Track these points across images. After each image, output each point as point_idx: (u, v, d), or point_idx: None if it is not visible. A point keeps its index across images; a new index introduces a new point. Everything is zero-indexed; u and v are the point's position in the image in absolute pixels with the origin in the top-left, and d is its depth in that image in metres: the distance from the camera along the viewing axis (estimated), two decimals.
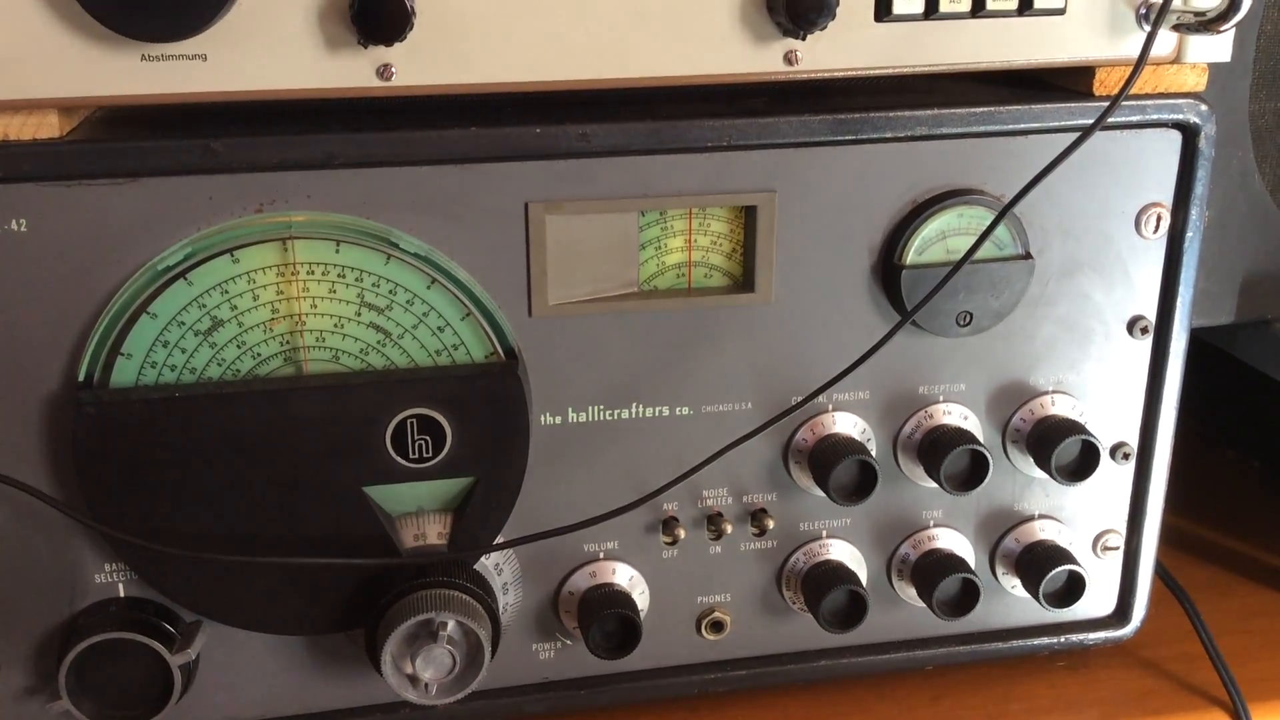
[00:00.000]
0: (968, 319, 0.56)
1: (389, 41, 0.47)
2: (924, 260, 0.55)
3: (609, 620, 0.56)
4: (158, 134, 0.49)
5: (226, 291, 0.51)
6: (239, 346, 0.52)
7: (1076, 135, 0.50)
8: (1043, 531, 0.60)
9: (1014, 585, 0.61)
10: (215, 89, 0.48)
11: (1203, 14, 0.52)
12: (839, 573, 0.58)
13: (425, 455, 0.53)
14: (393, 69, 0.48)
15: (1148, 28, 0.53)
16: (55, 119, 0.48)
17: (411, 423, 0.52)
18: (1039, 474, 0.59)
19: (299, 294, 0.52)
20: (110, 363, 0.51)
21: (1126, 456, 0.60)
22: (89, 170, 0.48)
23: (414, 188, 0.51)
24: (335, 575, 0.54)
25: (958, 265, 0.50)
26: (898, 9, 0.51)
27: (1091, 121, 0.52)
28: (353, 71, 0.48)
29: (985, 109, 0.54)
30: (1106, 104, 0.50)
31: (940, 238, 0.55)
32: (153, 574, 0.53)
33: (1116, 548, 0.62)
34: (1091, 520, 0.61)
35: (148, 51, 0.47)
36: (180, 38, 0.46)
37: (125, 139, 0.49)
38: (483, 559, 0.55)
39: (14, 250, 0.49)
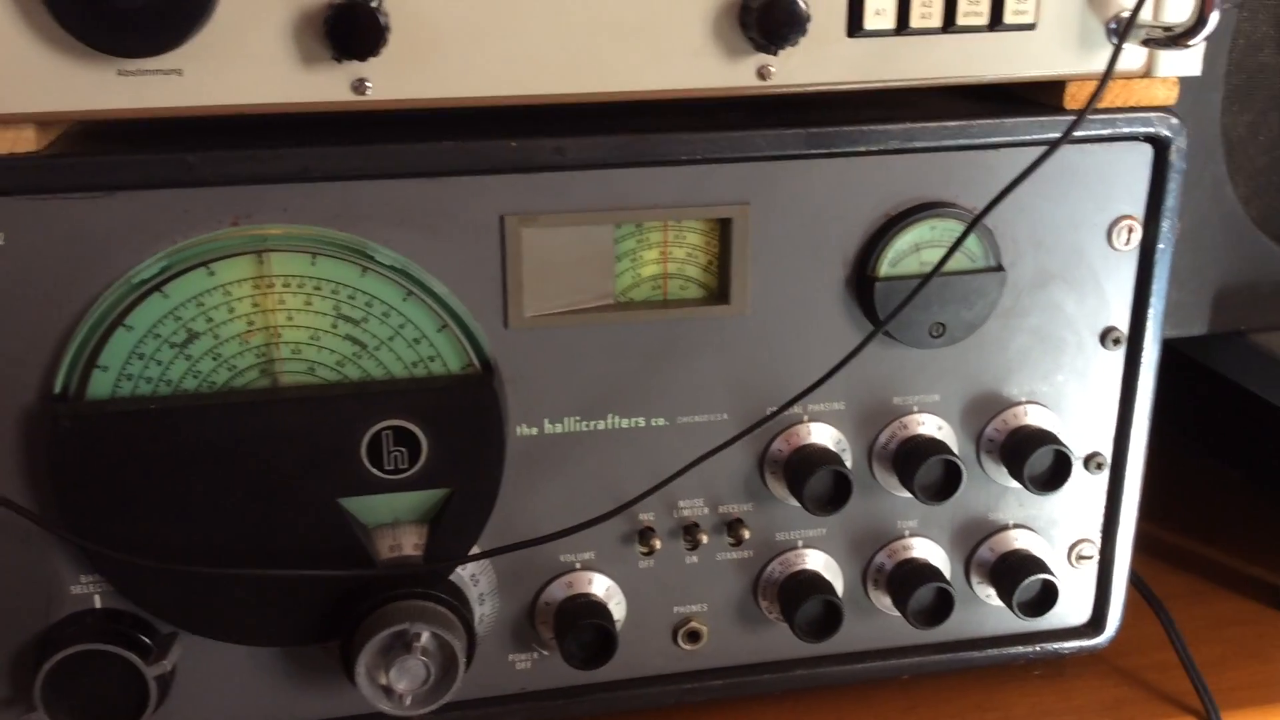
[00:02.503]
0: (941, 330, 0.56)
1: (363, 56, 0.47)
2: (897, 272, 0.55)
3: (585, 631, 0.56)
4: (134, 148, 0.49)
5: (202, 304, 0.51)
6: (215, 359, 0.52)
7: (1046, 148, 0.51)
8: (1017, 541, 0.61)
9: (989, 594, 0.61)
10: (191, 103, 0.48)
11: (1171, 29, 0.52)
12: (814, 582, 0.58)
13: (401, 467, 0.53)
14: (368, 83, 0.49)
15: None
16: (32, 133, 0.48)
17: (387, 434, 0.53)
18: (1013, 484, 0.59)
19: (275, 306, 0.52)
20: (86, 375, 0.51)
21: (1100, 466, 0.61)
22: (66, 184, 0.49)
23: (390, 200, 0.51)
24: (311, 587, 0.54)
25: (928, 276, 0.51)
26: (869, 24, 0.51)
27: (1060, 134, 0.53)
28: (328, 86, 0.49)
29: (957, 123, 0.54)
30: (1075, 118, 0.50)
31: (914, 250, 0.55)
32: (128, 586, 0.53)
33: (1091, 557, 0.62)
34: (1066, 530, 0.62)
35: (124, 67, 0.47)
36: (156, 53, 0.46)
37: (102, 153, 0.49)
38: (459, 570, 0.56)
39: None
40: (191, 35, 0.46)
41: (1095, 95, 0.49)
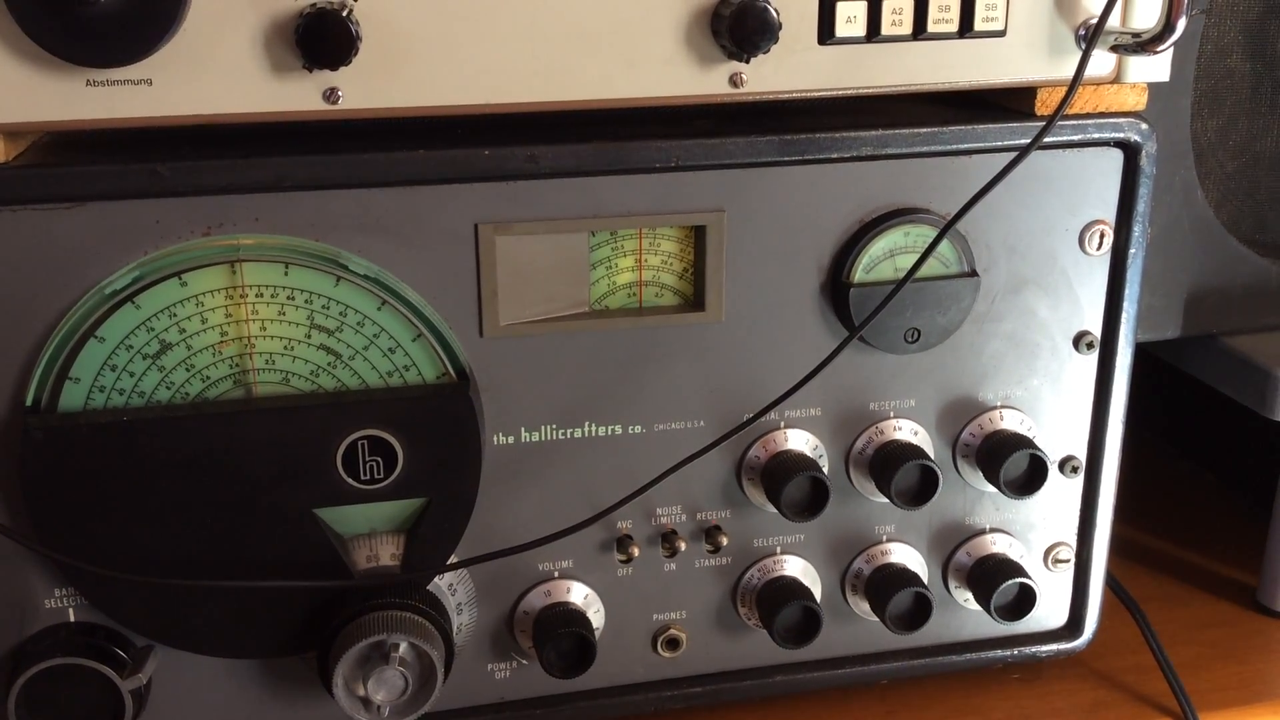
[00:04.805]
0: (915, 335, 0.56)
1: (334, 65, 0.47)
2: (872, 278, 0.55)
3: (564, 639, 0.56)
4: (104, 158, 0.49)
5: (175, 314, 0.51)
6: (188, 369, 0.52)
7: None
8: (994, 545, 0.61)
9: (966, 599, 0.61)
10: (161, 114, 0.48)
11: (1139, 35, 0.53)
12: (793, 589, 0.58)
13: (377, 476, 0.53)
14: (339, 92, 0.49)
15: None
16: (0, 144, 0.48)
17: (363, 444, 0.52)
18: (989, 488, 0.60)
19: (248, 316, 0.52)
20: (58, 387, 0.51)
21: (1075, 470, 0.61)
22: (35, 195, 0.48)
23: (363, 209, 0.51)
24: (288, 598, 0.53)
25: (901, 282, 0.51)
26: (840, 32, 0.51)
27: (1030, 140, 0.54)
28: (299, 95, 0.48)
29: (929, 129, 0.54)
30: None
31: (887, 256, 0.55)
32: (102, 599, 0.53)
33: (1067, 560, 0.62)
34: (1042, 533, 0.62)
35: (93, 77, 0.47)
36: (125, 63, 0.46)
37: (72, 163, 0.49)
38: (436, 579, 0.56)
39: None
40: (161, 45, 0.46)
41: (1065, 101, 0.49)
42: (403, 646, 0.51)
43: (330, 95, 0.49)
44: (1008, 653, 0.63)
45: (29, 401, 0.50)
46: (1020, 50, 0.54)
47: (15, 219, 0.48)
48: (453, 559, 0.55)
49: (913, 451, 0.57)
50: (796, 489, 0.56)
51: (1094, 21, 0.53)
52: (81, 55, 0.45)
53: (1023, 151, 0.49)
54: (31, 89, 0.47)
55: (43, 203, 0.49)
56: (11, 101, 0.47)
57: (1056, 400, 0.60)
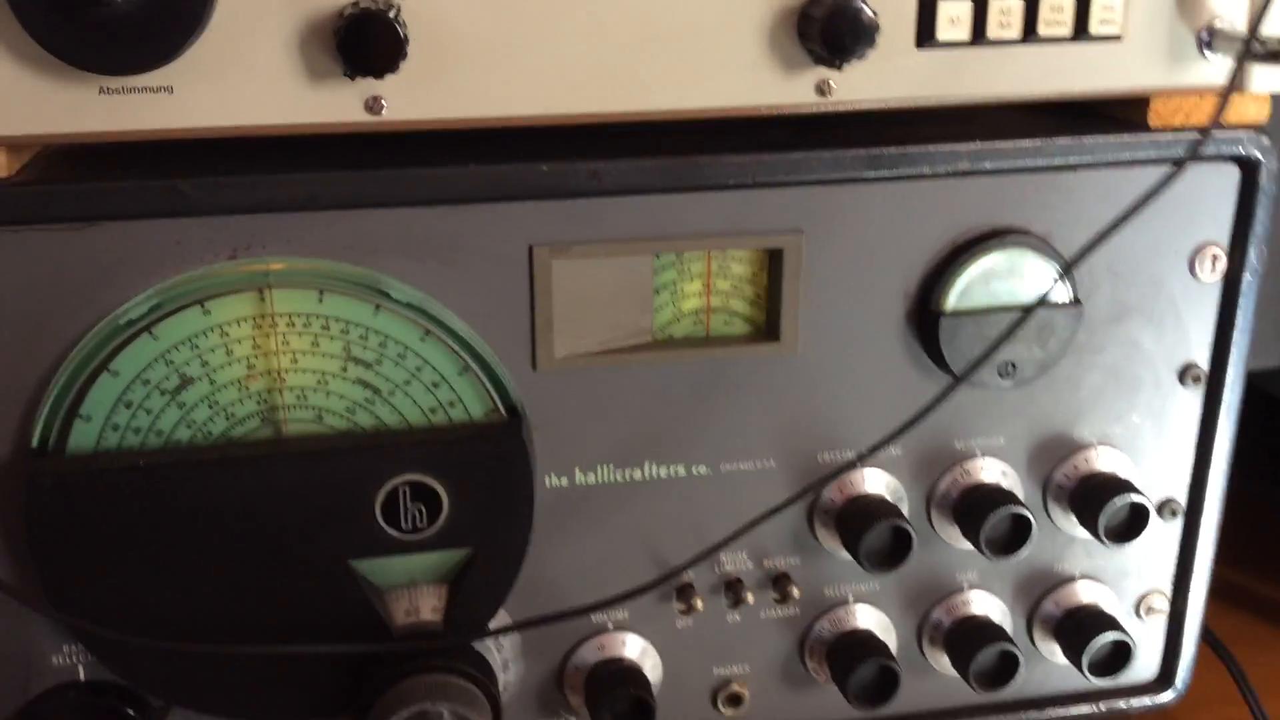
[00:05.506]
0: (1011, 370, 0.51)
1: (380, 73, 0.42)
2: (964, 307, 0.50)
3: (621, 700, 0.51)
4: (118, 173, 0.44)
5: (197, 346, 0.46)
6: (211, 406, 0.47)
7: (1133, 170, 0.46)
8: (1084, 594, 0.56)
9: (1053, 651, 0.56)
10: (183, 125, 0.43)
11: (1265, 42, 0.47)
12: (868, 643, 0.53)
13: (419, 525, 0.48)
14: (383, 101, 0.43)
15: (1209, 54, 0.48)
16: (2, 158, 0.43)
17: (404, 490, 0.47)
18: (1081, 533, 0.55)
19: (278, 348, 0.47)
20: (67, 426, 0.46)
21: (1174, 513, 0.56)
22: (41, 214, 0.43)
23: (406, 231, 0.46)
24: (320, 657, 0.48)
25: (1011, 329, 0.46)
26: (942, 34, 0.46)
27: (1151, 155, 0.49)
28: (338, 105, 0.43)
29: (1034, 142, 0.49)
30: (1165, 136, 0.46)
31: (982, 281, 0.50)
32: (115, 659, 0.48)
33: (1161, 610, 0.58)
34: (1135, 581, 0.57)
35: (107, 84, 0.41)
36: (144, 70, 0.41)
37: (83, 179, 0.44)
38: None
39: None
40: (184, 49, 0.41)
41: (1219, 112, 0.43)
42: (448, 716, 0.47)
43: (373, 105, 0.43)
44: (1093, 708, 0.58)
45: (35, 442, 0.46)
46: (1137, 56, 0.48)
47: (19, 240, 0.43)
48: (500, 613, 0.50)
49: (1003, 497, 0.52)
50: (877, 539, 0.51)
51: (1218, 24, 0.48)
52: (95, 61, 0.40)
53: (1173, 171, 0.44)
54: (37, 97, 0.41)
55: (50, 223, 0.43)
56: (14, 111, 0.42)
57: (1157, 438, 0.55)
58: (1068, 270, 0.45)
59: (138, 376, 0.46)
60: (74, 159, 0.46)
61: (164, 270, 0.45)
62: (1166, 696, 0.59)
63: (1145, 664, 0.59)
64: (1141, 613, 0.58)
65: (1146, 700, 0.59)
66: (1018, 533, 0.52)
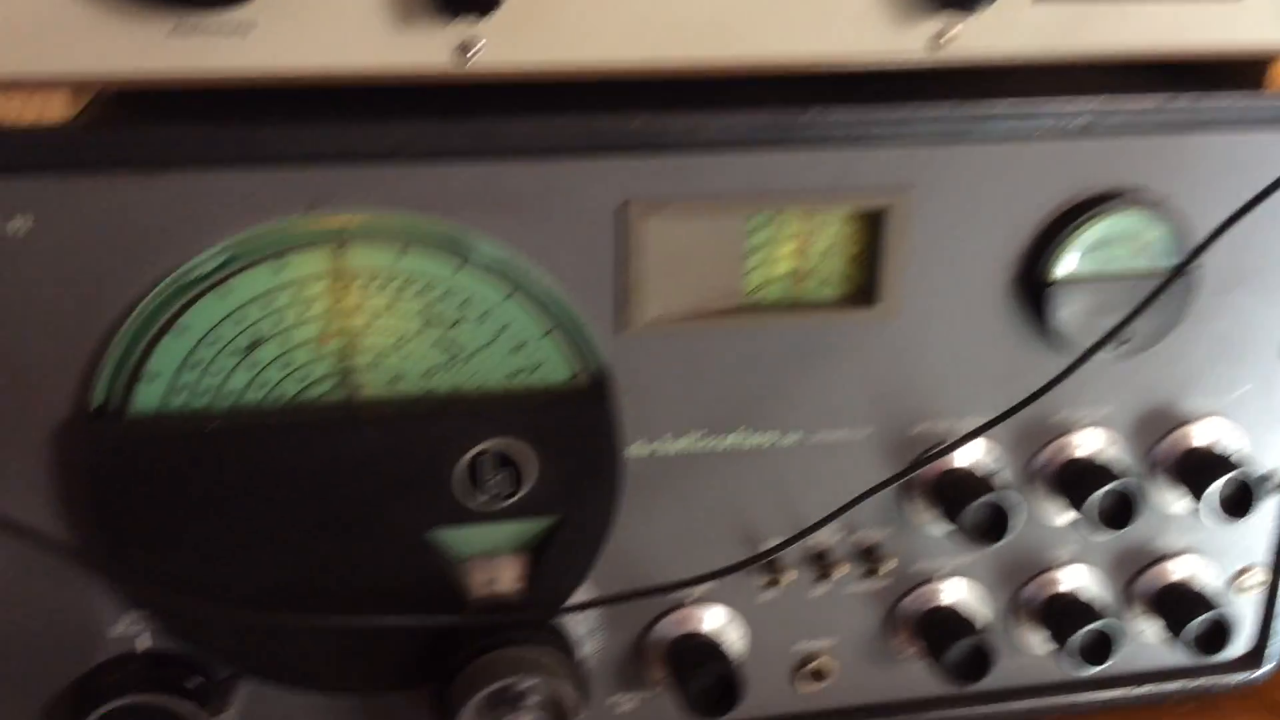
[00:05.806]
0: (1123, 340, 0.48)
1: (482, 11, 0.38)
2: (1075, 274, 0.48)
3: (704, 676, 0.49)
4: (187, 119, 0.41)
5: (269, 304, 0.43)
6: (283, 368, 0.44)
7: (1254, 134, 0.44)
8: (1182, 570, 0.54)
9: (1146, 628, 0.54)
10: (260, 66, 0.40)
11: None
12: (960, 618, 0.51)
13: (500, 493, 0.45)
14: (477, 46, 0.40)
15: None
16: (65, 99, 0.40)
17: (485, 456, 0.45)
18: (1181, 506, 0.52)
19: (354, 307, 0.44)
20: (131, 387, 0.43)
21: (1278, 488, 0.54)
22: (106, 161, 0.40)
23: (492, 185, 0.43)
24: (396, 628, 0.46)
25: (1128, 318, 0.43)
26: None
27: (1276, 117, 0.46)
28: (429, 48, 0.40)
29: (1155, 100, 0.46)
30: None
31: (1095, 248, 0.47)
32: (181, 626, 0.46)
33: (1256, 586, 0.55)
34: (1231, 556, 0.55)
35: (180, 21, 0.38)
36: (221, 5, 0.38)
37: (148, 124, 0.41)
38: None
39: (14, 255, 0.41)
40: None
41: None
42: (535, 691, 0.45)
43: (466, 49, 0.40)
44: (1183, 684, 0.56)
45: (97, 403, 0.43)
46: (1262, 12, 0.45)
47: (81, 189, 0.40)
48: (583, 586, 0.48)
49: (1108, 472, 0.49)
50: (978, 512, 0.48)
51: None
52: None
53: None
54: (104, 33, 0.38)
55: (115, 170, 0.40)
56: (79, 48, 0.38)
57: (1266, 410, 0.52)
58: (1216, 236, 0.42)
59: (206, 335, 0.43)
60: (135, 103, 0.43)
61: (236, 223, 0.42)
62: (1255, 673, 0.57)
63: (1236, 641, 0.57)
64: (1235, 589, 0.56)
65: (1238, 677, 0.57)
66: (1122, 508, 0.50)
